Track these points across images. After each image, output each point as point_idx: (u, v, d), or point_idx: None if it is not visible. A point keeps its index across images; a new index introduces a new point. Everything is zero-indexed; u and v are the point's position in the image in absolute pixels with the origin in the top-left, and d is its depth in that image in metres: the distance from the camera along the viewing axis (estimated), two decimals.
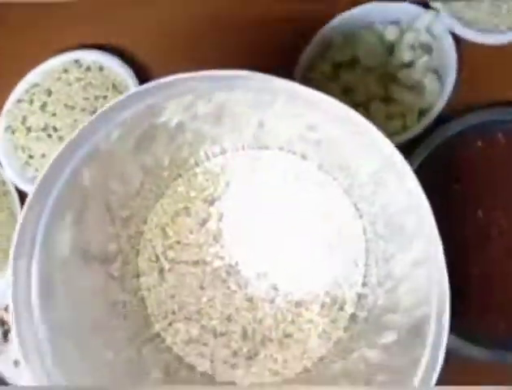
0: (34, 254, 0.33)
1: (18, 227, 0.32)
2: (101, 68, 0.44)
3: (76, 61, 0.45)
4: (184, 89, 0.33)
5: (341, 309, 0.39)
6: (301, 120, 0.37)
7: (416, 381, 0.32)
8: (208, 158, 0.41)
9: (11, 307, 0.32)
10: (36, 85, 0.44)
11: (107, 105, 0.32)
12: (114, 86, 0.44)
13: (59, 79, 0.44)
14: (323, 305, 0.39)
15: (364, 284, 0.39)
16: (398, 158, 0.32)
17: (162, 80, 0.32)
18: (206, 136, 0.39)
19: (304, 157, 0.40)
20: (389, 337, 0.36)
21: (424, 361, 0.32)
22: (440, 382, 0.35)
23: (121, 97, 0.32)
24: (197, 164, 0.41)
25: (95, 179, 0.36)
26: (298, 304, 0.39)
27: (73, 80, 0.44)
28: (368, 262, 0.39)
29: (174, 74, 0.31)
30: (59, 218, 0.34)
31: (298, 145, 0.40)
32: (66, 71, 0.45)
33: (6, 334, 0.41)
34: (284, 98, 0.34)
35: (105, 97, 0.44)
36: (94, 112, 0.43)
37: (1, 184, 0.43)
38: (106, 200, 0.38)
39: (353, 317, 0.39)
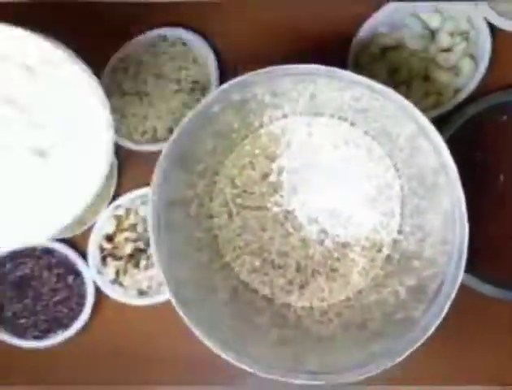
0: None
1: (157, 173, 0.42)
2: (184, 43, 0.53)
3: (164, 36, 0.53)
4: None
5: (379, 251, 0.47)
6: (346, 93, 0.44)
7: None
8: (271, 121, 0.48)
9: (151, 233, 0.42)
10: (129, 56, 0.53)
11: (223, 86, 0.41)
12: (194, 59, 0.52)
13: (148, 51, 0.53)
14: (363, 247, 0.47)
15: (399, 231, 0.47)
16: (431, 128, 0.39)
17: (261, 71, 0.40)
18: (268, 105, 0.47)
19: (352, 123, 0.48)
20: (412, 280, 0.44)
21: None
22: (452, 316, 0.43)
23: (231, 82, 0.41)
24: (261, 126, 0.49)
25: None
26: (343, 245, 0.47)
27: (160, 53, 0.53)
28: (404, 214, 0.47)
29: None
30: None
31: (347, 113, 0.47)
32: (154, 45, 0.53)
33: (104, 258, 0.51)
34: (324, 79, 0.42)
35: (187, 69, 0.52)
36: (178, 80, 0.52)
37: None
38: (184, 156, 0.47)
39: (388, 258, 0.47)
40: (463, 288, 0.46)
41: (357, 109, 0.46)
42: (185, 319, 0.41)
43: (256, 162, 0.49)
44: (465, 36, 0.48)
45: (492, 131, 0.47)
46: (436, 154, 0.41)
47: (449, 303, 0.40)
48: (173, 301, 0.41)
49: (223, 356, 0.41)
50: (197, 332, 0.41)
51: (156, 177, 0.42)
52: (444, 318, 0.40)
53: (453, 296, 0.40)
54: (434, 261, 0.43)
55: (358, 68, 0.49)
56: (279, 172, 0.48)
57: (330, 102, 0.46)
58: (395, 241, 0.47)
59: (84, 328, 0.51)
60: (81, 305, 0.51)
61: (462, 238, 0.39)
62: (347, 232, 0.47)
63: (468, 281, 0.46)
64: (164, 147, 0.42)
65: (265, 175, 0.49)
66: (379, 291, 0.47)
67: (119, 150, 0.51)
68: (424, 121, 0.40)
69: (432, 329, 0.40)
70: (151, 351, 0.51)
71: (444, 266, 0.41)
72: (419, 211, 0.46)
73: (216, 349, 0.41)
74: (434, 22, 0.48)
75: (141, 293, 0.51)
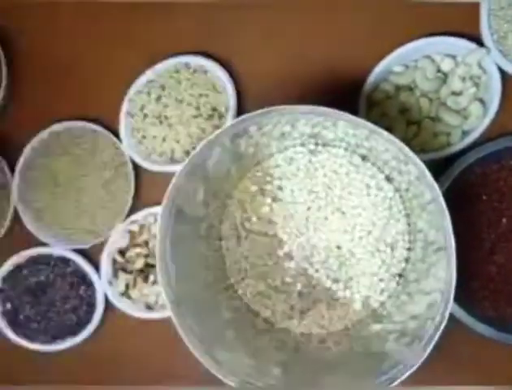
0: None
1: (171, 189, 0.43)
2: (205, 71, 0.55)
3: (186, 64, 0.56)
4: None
5: (381, 291, 0.48)
6: (351, 132, 0.46)
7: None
8: (280, 151, 0.50)
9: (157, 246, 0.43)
10: (152, 81, 0.56)
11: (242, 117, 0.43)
12: (214, 87, 0.55)
13: (171, 77, 0.56)
14: (364, 284, 0.48)
15: (403, 268, 0.48)
16: (429, 176, 0.41)
17: (274, 108, 0.41)
18: (275, 137, 0.48)
19: (363, 157, 0.49)
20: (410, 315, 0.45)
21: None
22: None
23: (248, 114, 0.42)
24: (272, 155, 0.51)
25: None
26: (347, 276, 0.49)
27: (183, 79, 0.55)
28: (408, 248, 0.48)
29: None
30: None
31: (359, 149, 0.49)
32: (177, 71, 0.56)
33: (116, 271, 0.53)
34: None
35: (206, 95, 0.54)
36: (197, 107, 0.54)
37: (121, 156, 0.55)
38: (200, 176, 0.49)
39: (390, 291, 0.48)
40: (460, 325, 0.47)
41: (364, 146, 0.47)
42: (184, 338, 0.42)
43: (266, 188, 0.51)
44: (476, 81, 0.50)
45: (499, 174, 0.49)
46: (431, 195, 0.42)
47: (432, 345, 0.40)
48: (173, 318, 0.42)
49: (219, 376, 0.42)
50: (195, 352, 0.42)
51: (169, 192, 0.43)
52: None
53: (436, 337, 0.40)
54: (433, 300, 0.44)
55: (371, 105, 0.51)
56: (288, 201, 0.50)
57: (338, 138, 0.48)
58: (398, 275, 0.48)
59: (91, 336, 0.53)
60: (90, 314, 0.53)
61: (450, 280, 0.40)
62: (351, 264, 0.49)
63: (465, 319, 0.47)
64: (181, 165, 0.43)
65: (274, 202, 0.51)
66: (379, 321, 0.48)
67: (137, 169, 0.54)
68: (422, 166, 0.41)
69: (414, 367, 0.40)
70: (152, 364, 0.53)
71: (438, 306, 0.42)
72: (423, 245, 0.47)
73: (212, 370, 0.42)
74: (446, 65, 0.50)
75: (148, 307, 0.53)
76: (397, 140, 0.41)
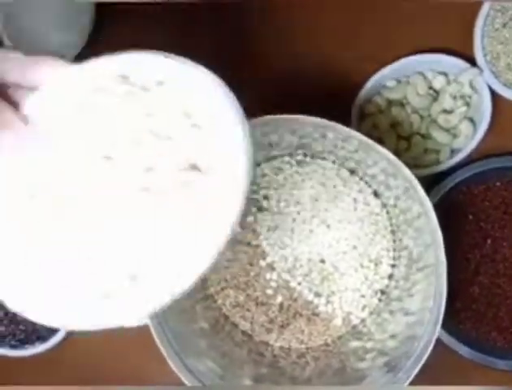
0: None
1: None
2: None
3: None
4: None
5: (363, 307, 0.47)
6: (341, 144, 0.45)
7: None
8: (265, 160, 0.49)
9: None
10: None
11: None
12: None
13: None
14: (346, 300, 0.47)
15: (387, 285, 0.47)
16: (420, 190, 0.40)
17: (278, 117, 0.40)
18: (263, 146, 0.47)
19: (351, 171, 0.49)
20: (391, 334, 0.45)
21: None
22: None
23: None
24: (259, 164, 0.49)
25: None
26: (329, 295, 0.48)
27: None
28: (393, 264, 0.47)
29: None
30: None
31: (348, 162, 0.48)
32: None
33: None
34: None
35: None
36: None
37: None
38: None
39: (372, 309, 0.47)
40: (441, 345, 0.46)
41: (353, 159, 0.47)
42: (161, 348, 0.41)
43: (251, 197, 0.49)
44: (467, 100, 0.49)
45: (485, 195, 0.48)
46: (422, 209, 0.42)
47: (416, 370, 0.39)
48: (152, 328, 0.41)
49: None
50: (171, 362, 0.41)
51: None
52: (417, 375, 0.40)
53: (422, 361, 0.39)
54: (414, 320, 0.43)
55: (363, 117, 0.51)
56: (273, 211, 0.49)
57: (326, 150, 0.47)
58: (381, 292, 0.47)
59: (62, 343, 0.51)
60: None
61: (440, 301, 0.40)
62: (334, 279, 0.48)
63: (446, 340, 0.46)
64: None
65: (259, 212, 0.49)
66: (359, 338, 0.47)
67: None
68: (414, 180, 0.41)
69: None
70: (128, 371, 0.51)
71: (424, 327, 0.41)
72: (407, 262, 0.47)
73: (184, 378, 0.41)
74: (438, 83, 0.50)
75: None
76: (388, 153, 0.40)
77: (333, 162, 0.48)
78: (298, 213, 0.48)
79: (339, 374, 0.45)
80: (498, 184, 0.48)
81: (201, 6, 0.52)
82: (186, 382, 0.41)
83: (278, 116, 0.41)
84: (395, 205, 0.46)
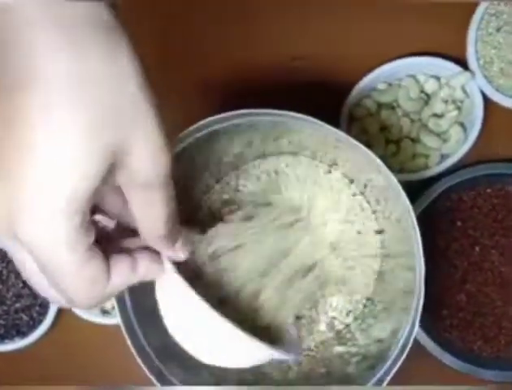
0: None
1: None
2: None
3: None
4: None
5: (348, 312, 0.47)
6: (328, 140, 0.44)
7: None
8: (254, 159, 0.48)
9: None
10: None
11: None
12: None
13: None
14: (331, 305, 0.47)
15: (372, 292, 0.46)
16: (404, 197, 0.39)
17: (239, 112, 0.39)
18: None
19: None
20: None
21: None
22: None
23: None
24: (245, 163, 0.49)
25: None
26: (314, 300, 0.47)
27: None
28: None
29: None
30: None
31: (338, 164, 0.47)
32: None
33: None
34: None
35: None
36: None
37: None
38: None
39: (355, 316, 0.47)
40: (427, 354, 0.46)
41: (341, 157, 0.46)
42: (131, 347, 0.40)
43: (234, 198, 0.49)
44: (458, 104, 0.49)
45: (475, 202, 0.48)
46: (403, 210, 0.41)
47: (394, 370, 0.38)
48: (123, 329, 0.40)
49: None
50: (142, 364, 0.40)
51: None
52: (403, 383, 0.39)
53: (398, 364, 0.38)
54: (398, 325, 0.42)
55: (352, 120, 0.50)
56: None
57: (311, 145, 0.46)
58: (366, 298, 0.47)
59: (41, 339, 0.50)
60: (43, 314, 0.50)
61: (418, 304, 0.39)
62: (319, 281, 0.47)
63: (431, 349, 0.46)
64: None
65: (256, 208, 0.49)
66: (343, 344, 0.46)
67: None
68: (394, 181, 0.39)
69: None
70: (106, 371, 0.51)
71: (403, 329, 0.40)
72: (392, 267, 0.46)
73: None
74: (430, 87, 0.49)
75: (104, 312, 0.50)
76: (376, 158, 0.39)
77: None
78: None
79: (324, 378, 0.44)
80: (488, 190, 0.48)
81: None
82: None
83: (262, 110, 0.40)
84: (378, 205, 0.46)
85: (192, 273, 0.38)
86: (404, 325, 0.39)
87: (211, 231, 0.40)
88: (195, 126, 0.40)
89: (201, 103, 0.52)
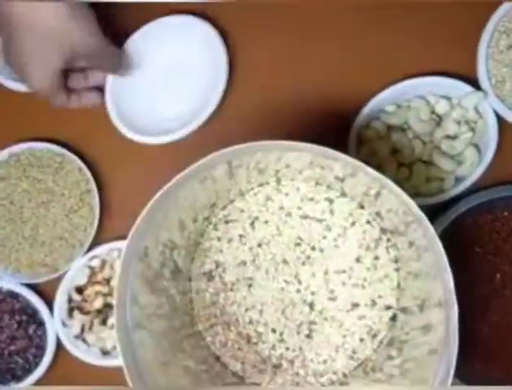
0: None
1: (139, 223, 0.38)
2: None
3: None
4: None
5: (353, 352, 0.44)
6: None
7: None
8: (251, 188, 0.46)
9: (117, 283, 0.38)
10: None
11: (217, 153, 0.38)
12: None
13: None
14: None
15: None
16: (424, 218, 0.37)
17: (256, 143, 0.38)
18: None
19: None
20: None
21: None
22: None
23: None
24: (242, 194, 0.47)
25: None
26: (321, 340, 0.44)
27: None
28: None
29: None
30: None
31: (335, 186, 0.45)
32: None
33: (71, 310, 0.48)
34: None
35: None
36: None
37: (86, 182, 0.50)
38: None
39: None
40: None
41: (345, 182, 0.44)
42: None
43: (237, 227, 0.47)
44: (472, 125, 0.47)
45: (492, 226, 0.45)
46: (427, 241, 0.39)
47: None
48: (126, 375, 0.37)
49: None
50: None
51: (136, 227, 0.38)
52: None
53: None
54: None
55: (361, 143, 0.48)
56: (260, 242, 0.46)
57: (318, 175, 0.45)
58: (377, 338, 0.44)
59: (38, 383, 0.47)
60: (39, 357, 0.47)
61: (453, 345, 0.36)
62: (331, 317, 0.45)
63: (454, 382, 0.43)
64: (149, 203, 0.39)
65: (245, 242, 0.46)
66: (365, 377, 0.43)
67: (102, 199, 0.49)
68: (416, 209, 0.37)
69: None
70: None
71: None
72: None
73: None
74: (441, 108, 0.47)
75: (105, 353, 0.47)
76: (387, 180, 0.37)
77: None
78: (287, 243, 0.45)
79: None
80: (506, 213, 0.45)
81: None
82: None
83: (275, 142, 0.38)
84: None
85: None
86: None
87: None
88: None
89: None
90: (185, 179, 0.39)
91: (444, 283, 0.37)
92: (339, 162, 0.41)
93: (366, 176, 0.40)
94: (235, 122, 0.50)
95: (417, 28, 0.48)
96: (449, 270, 0.36)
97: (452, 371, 0.36)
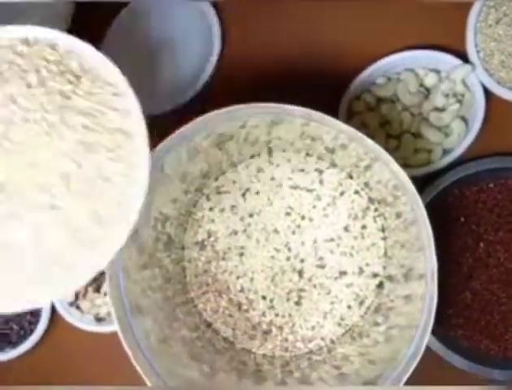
0: None
1: None
2: None
3: None
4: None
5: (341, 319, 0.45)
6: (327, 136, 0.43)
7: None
8: (243, 159, 0.47)
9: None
10: None
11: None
12: None
13: None
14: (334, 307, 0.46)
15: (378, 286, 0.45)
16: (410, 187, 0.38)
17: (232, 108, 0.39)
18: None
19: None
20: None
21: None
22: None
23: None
24: (234, 165, 0.47)
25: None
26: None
27: None
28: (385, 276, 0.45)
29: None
30: None
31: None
32: None
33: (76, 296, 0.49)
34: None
35: None
36: None
37: None
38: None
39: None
40: (431, 353, 0.44)
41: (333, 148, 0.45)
42: (137, 367, 0.39)
43: (229, 198, 0.47)
44: (459, 98, 0.48)
45: (478, 197, 0.47)
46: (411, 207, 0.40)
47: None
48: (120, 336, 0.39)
49: None
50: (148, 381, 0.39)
51: None
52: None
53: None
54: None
55: (351, 115, 0.49)
56: (249, 211, 0.47)
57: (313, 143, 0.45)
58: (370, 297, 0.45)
59: (33, 349, 0.49)
60: (34, 324, 0.48)
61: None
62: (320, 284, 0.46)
63: (436, 348, 0.44)
64: None
65: (237, 212, 0.47)
66: (349, 344, 0.45)
67: None
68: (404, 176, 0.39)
69: None
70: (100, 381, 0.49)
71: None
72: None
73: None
74: (430, 80, 0.48)
75: (99, 320, 0.48)
76: (378, 146, 0.38)
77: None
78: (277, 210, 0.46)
79: (323, 383, 0.43)
80: (491, 185, 0.47)
81: None
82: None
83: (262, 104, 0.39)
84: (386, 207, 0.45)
85: None
86: (415, 328, 0.38)
87: None
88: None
89: None
90: (169, 147, 0.40)
91: (427, 260, 0.38)
92: (330, 134, 0.41)
93: (358, 148, 0.41)
94: (226, 95, 0.51)
95: (407, 2, 0.49)
96: (433, 248, 0.37)
97: (425, 342, 0.38)
